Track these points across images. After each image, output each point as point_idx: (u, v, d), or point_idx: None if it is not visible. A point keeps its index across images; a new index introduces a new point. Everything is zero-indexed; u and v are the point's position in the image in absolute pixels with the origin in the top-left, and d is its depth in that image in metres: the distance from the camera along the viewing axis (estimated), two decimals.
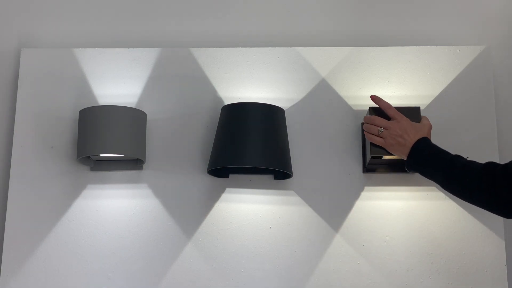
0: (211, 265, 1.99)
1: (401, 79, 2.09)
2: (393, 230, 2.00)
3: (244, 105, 1.98)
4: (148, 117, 2.05)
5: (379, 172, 2.03)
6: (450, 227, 2.00)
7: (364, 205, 2.02)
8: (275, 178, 2.04)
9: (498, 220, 1.99)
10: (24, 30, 2.20)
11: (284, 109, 2.03)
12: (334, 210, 2.02)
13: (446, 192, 1.79)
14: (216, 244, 2.01)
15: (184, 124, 2.08)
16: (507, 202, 1.64)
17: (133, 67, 2.12)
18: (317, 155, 2.05)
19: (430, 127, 1.89)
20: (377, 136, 1.89)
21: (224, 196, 2.04)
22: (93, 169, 2.05)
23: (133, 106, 2.07)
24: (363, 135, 2.03)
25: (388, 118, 1.90)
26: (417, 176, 2.02)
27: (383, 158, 1.99)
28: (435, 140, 1.87)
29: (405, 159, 1.84)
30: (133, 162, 2.04)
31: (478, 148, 2.02)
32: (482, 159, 1.70)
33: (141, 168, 2.05)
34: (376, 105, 1.93)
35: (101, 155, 1.99)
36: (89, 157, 2.02)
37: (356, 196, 2.02)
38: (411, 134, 1.83)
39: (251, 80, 2.10)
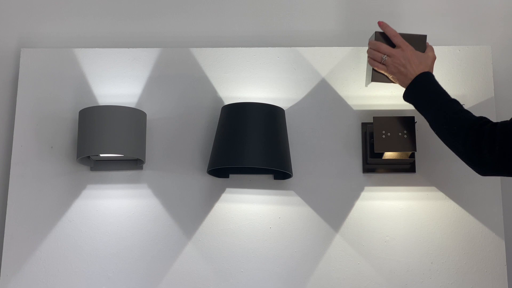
0: (211, 265, 1.99)
1: None
2: (393, 230, 2.00)
3: (244, 105, 1.98)
4: (148, 117, 2.05)
5: (379, 172, 2.03)
6: (450, 227, 2.00)
7: (364, 205, 2.02)
8: (275, 178, 2.04)
9: (498, 220, 1.99)
10: (24, 30, 2.20)
11: (284, 109, 2.03)
12: (334, 210, 2.02)
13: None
14: (216, 244, 2.01)
15: (184, 124, 2.08)
16: (488, 161, 1.63)
17: (133, 67, 2.12)
18: (317, 155, 2.05)
19: (434, 58, 1.87)
20: (380, 63, 1.88)
21: (224, 196, 2.04)
22: (93, 169, 2.05)
23: (133, 106, 2.07)
24: (363, 134, 2.04)
25: (393, 46, 1.88)
26: (417, 176, 2.02)
27: (383, 158, 1.99)
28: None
29: (404, 88, 1.83)
30: (133, 162, 2.04)
31: None
32: None
33: (141, 168, 2.05)
34: (382, 31, 1.91)
35: (101, 155, 1.99)
36: (89, 157, 2.02)
37: (356, 196, 2.02)
38: (414, 65, 1.82)
39: (251, 80, 2.10)
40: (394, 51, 1.85)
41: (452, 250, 1.99)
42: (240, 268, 1.99)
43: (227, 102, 2.07)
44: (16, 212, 2.02)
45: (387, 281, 1.98)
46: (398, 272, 1.98)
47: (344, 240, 2.00)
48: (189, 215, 2.02)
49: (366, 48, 1.92)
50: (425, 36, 1.90)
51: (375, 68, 1.89)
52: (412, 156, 2.00)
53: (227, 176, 2.04)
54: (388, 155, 1.99)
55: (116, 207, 2.03)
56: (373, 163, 2.02)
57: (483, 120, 1.67)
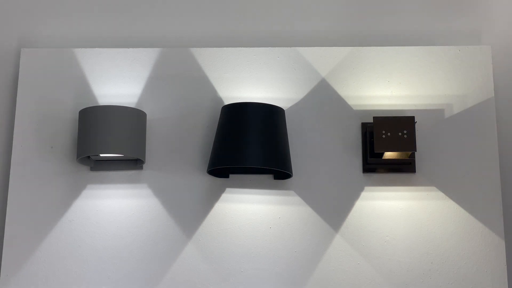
0: (211, 265, 1.99)
1: (401, 79, 2.09)
2: (393, 230, 2.00)
3: (244, 105, 1.98)
4: (148, 117, 2.05)
5: (379, 172, 2.03)
6: (450, 227, 2.00)
7: (364, 205, 2.02)
8: (275, 178, 2.04)
9: (498, 220, 1.99)
10: (24, 30, 2.21)
11: (284, 109, 2.03)
12: (334, 210, 2.02)
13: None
14: (216, 244, 2.01)
15: (184, 124, 2.08)
16: None
17: (133, 67, 2.12)
18: (317, 155, 2.05)
19: None
20: None
21: (224, 196, 2.04)
22: (93, 169, 2.05)
23: (133, 106, 2.07)
24: (363, 134, 2.04)
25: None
26: (417, 176, 2.02)
27: (383, 158, 1.99)
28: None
29: None
30: (133, 162, 2.04)
31: (478, 147, 2.02)
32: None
33: (141, 168, 2.05)
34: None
35: (101, 155, 1.99)
36: (89, 157, 2.02)
37: (356, 196, 2.02)
38: None
39: (251, 80, 2.10)
40: None
41: (452, 250, 1.99)
42: (240, 268, 1.99)
43: (227, 102, 2.07)
44: (16, 212, 2.02)
45: (387, 281, 1.98)
46: (398, 272, 1.98)
47: (344, 240, 2.00)
48: (189, 215, 2.02)
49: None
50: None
51: None
52: (412, 156, 2.00)
53: (227, 176, 2.04)
54: (388, 155, 1.99)
55: (116, 207, 2.03)
56: (373, 163, 2.02)
57: None
